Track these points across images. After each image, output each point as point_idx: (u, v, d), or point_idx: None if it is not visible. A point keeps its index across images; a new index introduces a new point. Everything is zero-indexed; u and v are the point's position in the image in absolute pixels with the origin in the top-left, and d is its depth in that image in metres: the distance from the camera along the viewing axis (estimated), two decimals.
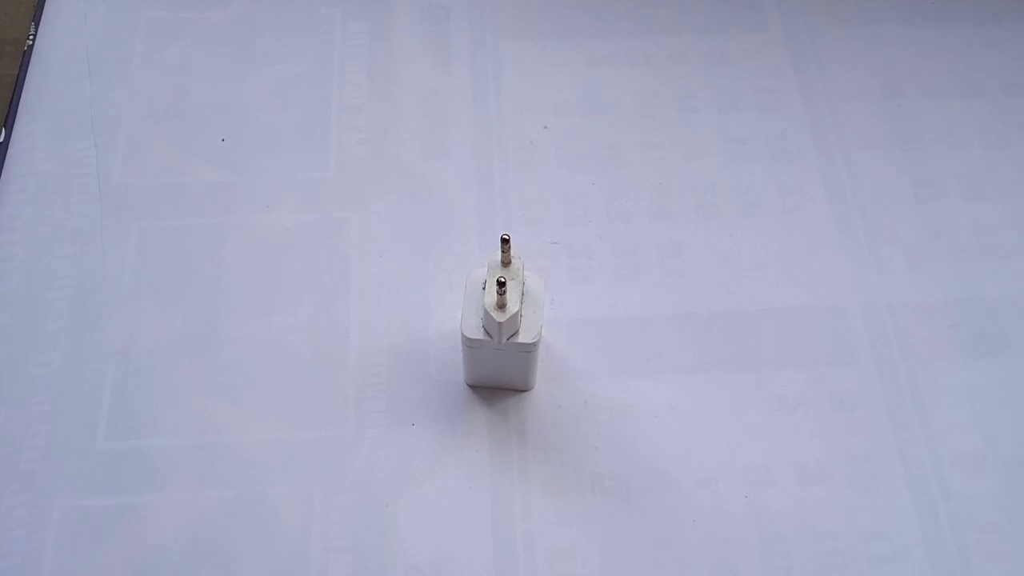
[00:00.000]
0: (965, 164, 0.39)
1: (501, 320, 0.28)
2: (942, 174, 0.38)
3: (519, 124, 0.40)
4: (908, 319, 0.35)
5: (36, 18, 0.42)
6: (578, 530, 0.31)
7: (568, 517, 0.32)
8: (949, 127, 0.40)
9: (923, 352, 0.32)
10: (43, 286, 0.35)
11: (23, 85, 0.40)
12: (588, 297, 0.36)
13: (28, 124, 0.39)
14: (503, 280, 0.28)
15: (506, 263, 0.29)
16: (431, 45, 0.42)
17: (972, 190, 0.38)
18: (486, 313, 0.29)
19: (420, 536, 0.31)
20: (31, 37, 0.42)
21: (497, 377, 0.33)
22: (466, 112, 0.40)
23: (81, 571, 0.30)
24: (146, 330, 0.35)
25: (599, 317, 0.35)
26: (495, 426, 0.33)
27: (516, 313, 0.29)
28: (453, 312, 0.35)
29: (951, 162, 0.39)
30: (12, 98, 0.40)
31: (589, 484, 0.32)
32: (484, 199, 0.38)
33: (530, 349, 0.30)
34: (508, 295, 0.28)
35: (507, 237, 0.28)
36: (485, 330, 0.30)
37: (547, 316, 0.34)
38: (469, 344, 0.30)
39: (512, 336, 0.30)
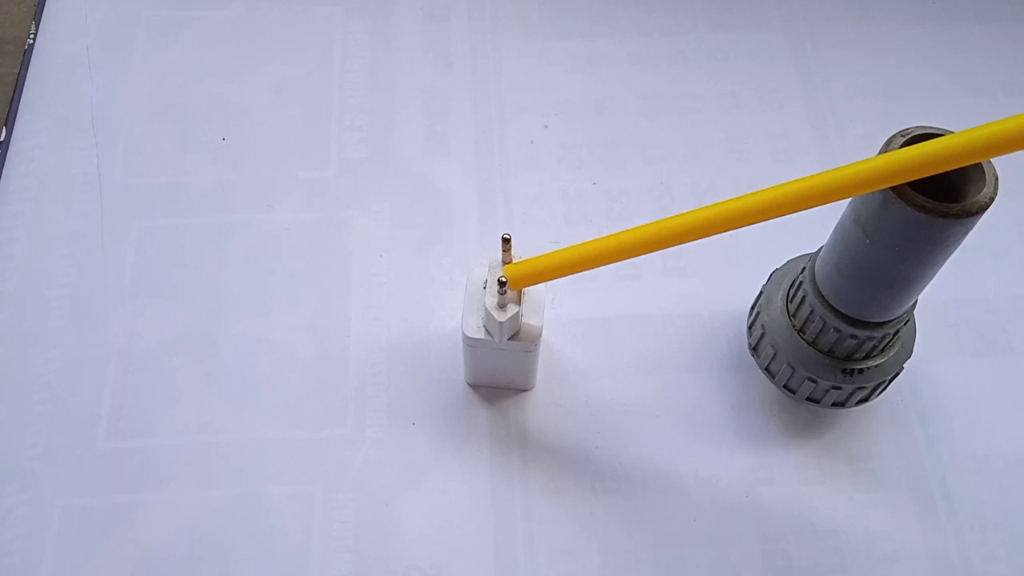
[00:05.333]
0: None
1: (502, 319, 0.28)
2: None
3: (519, 123, 0.40)
4: None
5: (37, 17, 0.42)
6: (578, 530, 0.31)
7: (568, 517, 0.32)
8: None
9: (923, 352, 0.32)
10: (43, 286, 0.35)
11: (24, 84, 0.40)
12: (588, 297, 0.36)
13: (29, 123, 0.39)
14: (504, 279, 0.28)
15: (507, 262, 0.29)
16: (432, 44, 0.42)
17: None
18: (487, 312, 0.29)
19: (420, 536, 0.31)
20: (32, 36, 0.42)
21: (498, 377, 0.33)
22: (466, 112, 0.40)
23: (81, 571, 0.30)
24: (146, 329, 0.35)
25: (599, 317, 0.35)
26: (495, 426, 0.33)
27: (517, 313, 0.29)
28: (454, 311, 0.35)
29: None
30: (13, 97, 0.40)
31: (589, 484, 0.32)
32: (485, 199, 0.38)
33: (531, 348, 0.30)
34: (509, 294, 0.28)
35: (508, 236, 0.28)
36: (486, 329, 0.30)
37: (548, 316, 0.34)
38: (470, 344, 0.30)
39: (513, 336, 0.30)
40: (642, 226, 0.26)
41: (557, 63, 0.42)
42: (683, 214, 0.25)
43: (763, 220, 0.24)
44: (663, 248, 0.26)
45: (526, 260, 0.28)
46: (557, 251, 0.28)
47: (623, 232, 0.26)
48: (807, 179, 0.23)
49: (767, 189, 0.24)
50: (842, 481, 0.32)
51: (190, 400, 0.33)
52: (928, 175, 0.21)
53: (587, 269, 0.28)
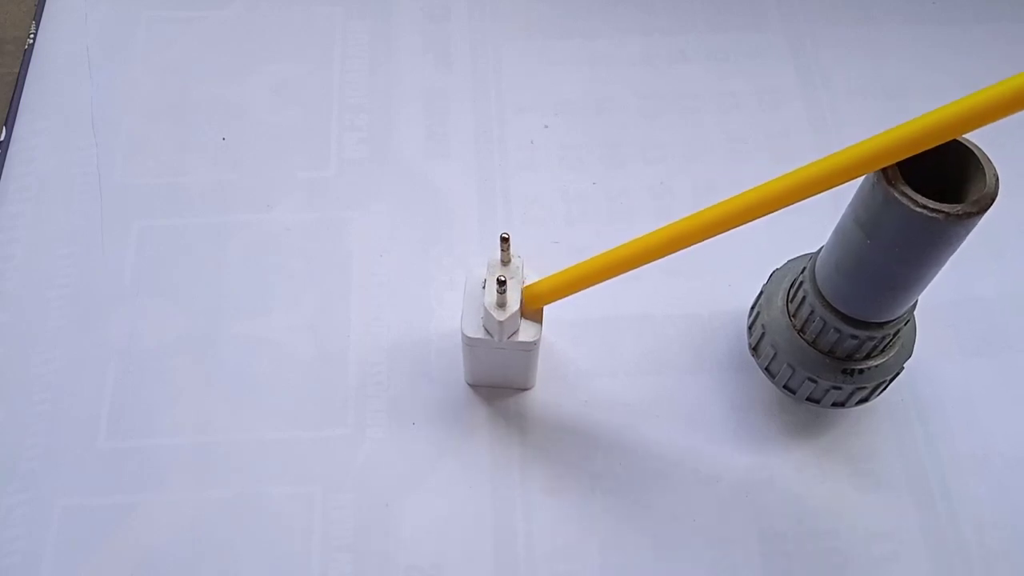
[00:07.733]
0: None
1: (501, 319, 0.28)
2: None
3: (519, 123, 0.40)
4: None
5: (37, 17, 0.42)
6: (578, 530, 0.31)
7: (568, 517, 0.32)
8: None
9: (923, 352, 0.32)
10: (43, 286, 0.35)
11: (24, 84, 0.40)
12: (588, 297, 0.36)
13: (29, 123, 0.39)
14: (503, 279, 0.28)
15: (506, 262, 0.29)
16: (432, 44, 0.42)
17: None
18: (486, 312, 0.29)
19: (420, 536, 0.31)
20: (32, 36, 0.42)
21: (497, 376, 0.33)
22: (466, 112, 0.40)
23: (81, 570, 0.30)
24: (146, 329, 0.35)
25: (599, 317, 0.35)
26: (495, 425, 0.33)
27: (516, 312, 0.29)
28: (453, 311, 0.35)
29: None
30: (13, 97, 0.40)
31: (589, 484, 0.32)
32: (484, 199, 0.38)
33: (530, 348, 0.30)
34: (508, 294, 0.28)
35: (507, 236, 0.28)
36: (485, 329, 0.30)
37: (548, 316, 0.34)
38: (469, 343, 0.30)
39: (512, 335, 0.30)
40: (654, 231, 0.26)
41: (557, 63, 0.42)
42: (692, 215, 0.26)
43: (775, 209, 0.24)
44: (670, 253, 0.26)
45: (542, 279, 0.29)
46: (571, 267, 0.28)
47: (633, 241, 0.27)
48: (818, 162, 0.23)
49: (776, 179, 0.24)
50: (842, 481, 0.32)
51: (190, 400, 0.33)
52: (922, 150, 0.21)
53: (601, 281, 0.28)
